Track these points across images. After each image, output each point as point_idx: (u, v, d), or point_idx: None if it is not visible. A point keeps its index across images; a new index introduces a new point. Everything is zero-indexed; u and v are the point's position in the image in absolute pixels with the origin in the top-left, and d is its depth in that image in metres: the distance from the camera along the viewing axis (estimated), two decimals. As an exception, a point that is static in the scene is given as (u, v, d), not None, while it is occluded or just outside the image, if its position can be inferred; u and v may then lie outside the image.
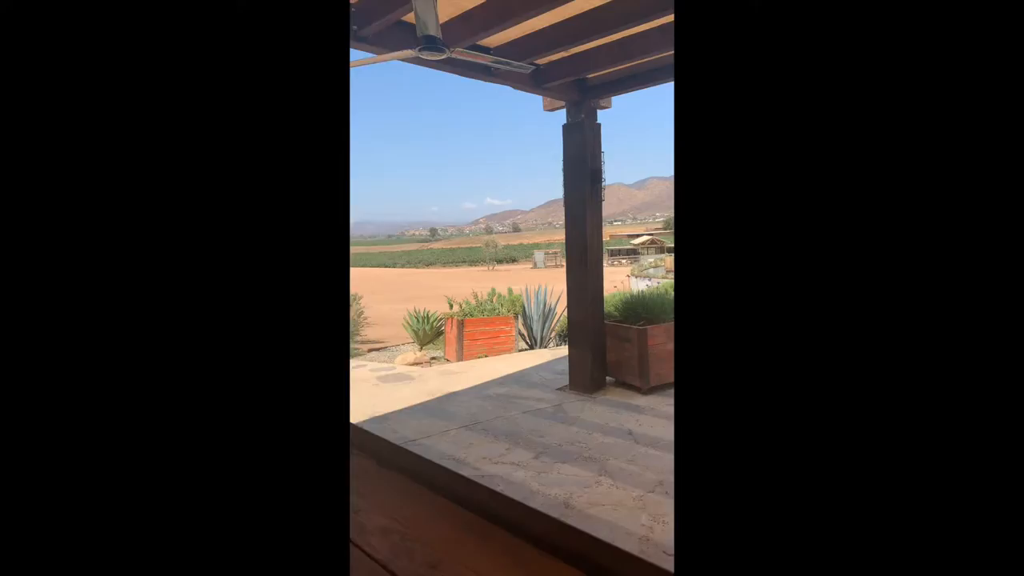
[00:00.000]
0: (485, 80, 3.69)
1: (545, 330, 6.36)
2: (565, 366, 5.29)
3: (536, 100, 4.46)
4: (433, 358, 6.70)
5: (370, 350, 7.77)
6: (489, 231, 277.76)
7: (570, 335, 4.53)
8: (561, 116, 4.41)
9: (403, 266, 73.03)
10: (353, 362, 6.25)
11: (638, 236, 55.92)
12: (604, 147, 4.37)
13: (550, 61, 3.87)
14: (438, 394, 4.60)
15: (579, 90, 4.26)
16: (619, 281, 20.12)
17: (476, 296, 6.50)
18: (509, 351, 6.11)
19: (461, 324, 5.89)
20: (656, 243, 49.86)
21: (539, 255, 49.03)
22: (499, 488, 2.72)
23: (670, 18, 3.12)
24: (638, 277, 16.50)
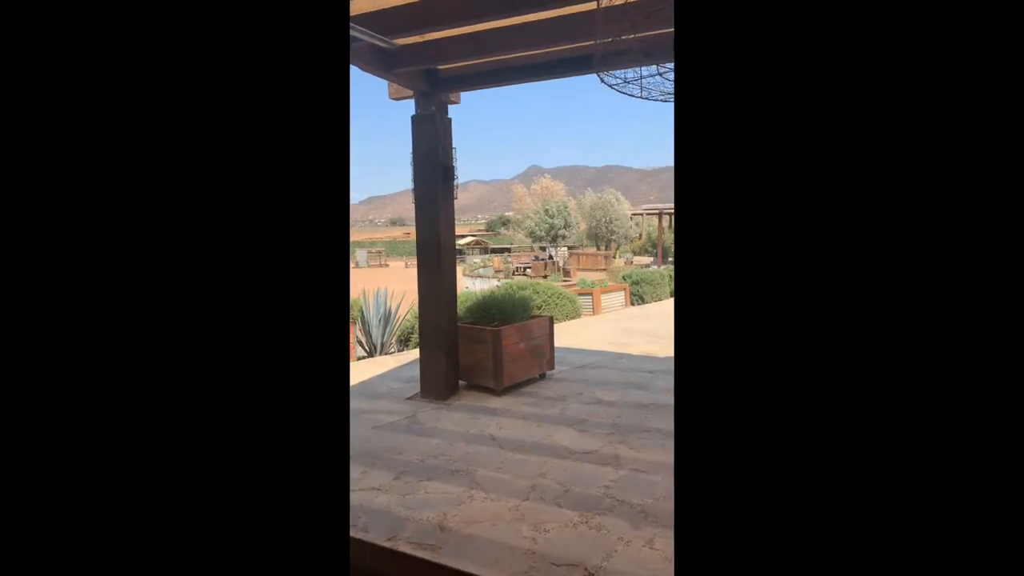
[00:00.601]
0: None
1: (386, 336, 5.95)
2: (413, 373, 5.01)
3: (371, 87, 4.09)
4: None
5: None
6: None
7: (422, 339, 4.28)
8: (406, 107, 4.14)
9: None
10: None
11: (463, 237, 57.23)
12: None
13: (403, 44, 3.57)
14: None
15: (429, 81, 4.03)
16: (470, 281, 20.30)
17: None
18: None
19: (290, 332, 5.17)
20: (480, 244, 51.57)
21: (362, 253, 46.81)
22: (360, 521, 2.37)
23: (532, 17, 3.10)
24: (470, 276, 16.77)
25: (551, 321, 4.73)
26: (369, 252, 48.35)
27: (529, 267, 17.84)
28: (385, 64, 3.59)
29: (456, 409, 3.97)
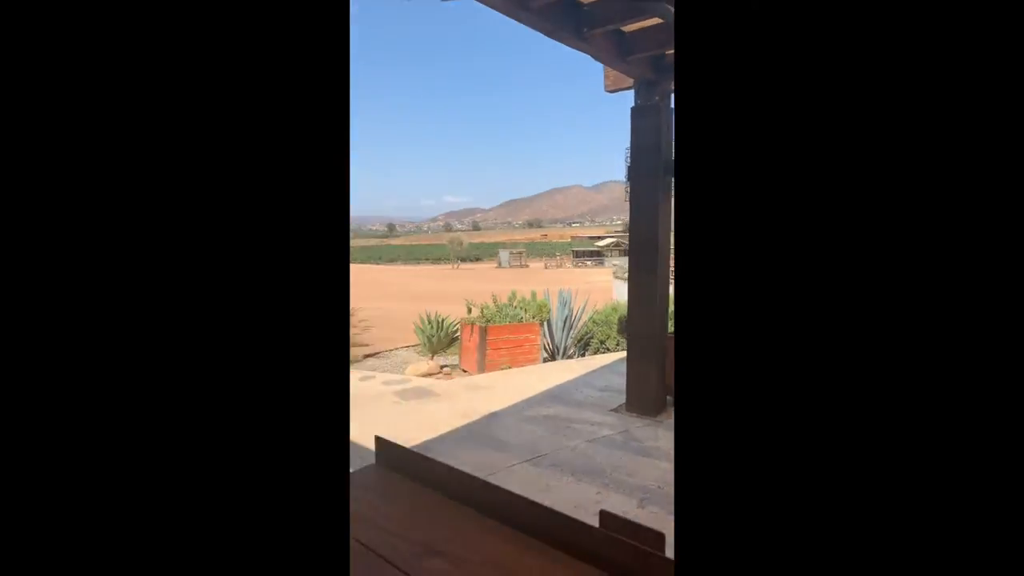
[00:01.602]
0: (572, 45, 3.05)
1: (568, 339, 5.77)
2: (608, 381, 4.75)
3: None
4: (444, 367, 6.00)
5: (366, 356, 6.95)
6: (448, 228, 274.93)
7: (630, 349, 3.98)
8: (619, 99, 3.85)
9: (362, 262, 70.96)
10: (357, 372, 5.47)
11: (602, 239, 56.39)
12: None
13: (635, 30, 3.29)
14: (474, 415, 3.94)
15: (656, 67, 3.70)
16: (602, 283, 19.80)
17: (495, 299, 5.82)
18: (534, 362, 5.49)
19: (484, 332, 5.22)
20: (619, 246, 50.42)
21: (503, 254, 48.55)
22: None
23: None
24: (621, 280, 16.19)
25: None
26: (511, 253, 50.03)
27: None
28: (620, 52, 3.33)
29: (671, 428, 3.59)
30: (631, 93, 3.93)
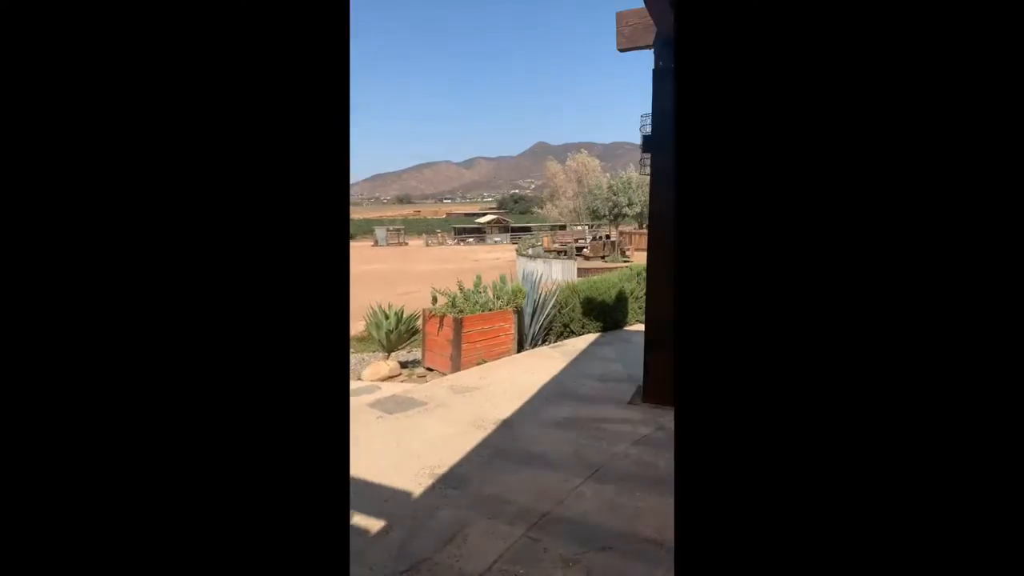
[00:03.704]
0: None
1: (537, 327, 5.34)
2: (601, 370, 4.43)
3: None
4: (404, 364, 5.19)
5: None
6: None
7: (650, 333, 3.66)
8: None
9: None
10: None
11: (482, 215, 56.37)
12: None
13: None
14: (484, 425, 3.36)
15: (683, 25, 3.32)
16: (504, 260, 19.50)
17: (461, 286, 5.10)
18: (508, 353, 4.95)
19: (459, 323, 4.53)
20: (500, 223, 50.89)
21: (380, 231, 46.13)
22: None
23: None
24: (526, 256, 16.13)
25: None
26: (388, 230, 47.63)
27: (586, 247, 17.22)
28: (671, -2, 2.89)
29: (707, 419, 3.37)
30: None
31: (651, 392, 3.70)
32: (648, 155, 3.50)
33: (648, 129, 3.46)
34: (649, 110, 3.44)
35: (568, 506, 2.41)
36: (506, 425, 3.38)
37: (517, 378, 4.28)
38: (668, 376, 3.62)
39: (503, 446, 3.07)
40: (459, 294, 4.95)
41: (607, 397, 3.83)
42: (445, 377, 4.35)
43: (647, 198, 3.80)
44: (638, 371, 4.05)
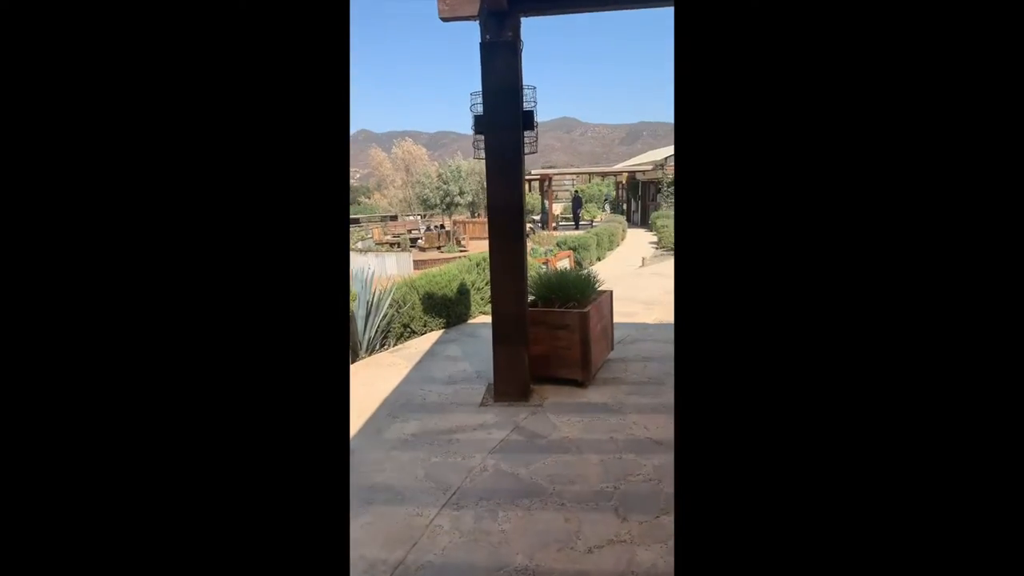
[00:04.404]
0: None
1: (373, 331, 4.79)
2: (445, 372, 4.13)
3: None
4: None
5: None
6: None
7: (496, 329, 3.44)
8: (454, 30, 3.16)
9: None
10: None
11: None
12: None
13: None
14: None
15: (507, -4, 3.09)
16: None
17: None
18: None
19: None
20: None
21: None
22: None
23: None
24: (358, 251, 15.10)
25: (612, 296, 4.21)
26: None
27: (421, 238, 16.77)
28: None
29: (561, 410, 3.28)
30: (465, 25, 3.24)
31: (502, 390, 3.50)
32: (481, 136, 3.23)
33: (479, 108, 3.18)
34: (479, 87, 3.16)
35: (424, 547, 2.05)
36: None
37: (354, 393, 3.74)
38: (519, 370, 3.45)
39: (362, 494, 2.56)
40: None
41: (457, 401, 3.53)
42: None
43: (478, 187, 3.52)
44: (487, 368, 3.82)
